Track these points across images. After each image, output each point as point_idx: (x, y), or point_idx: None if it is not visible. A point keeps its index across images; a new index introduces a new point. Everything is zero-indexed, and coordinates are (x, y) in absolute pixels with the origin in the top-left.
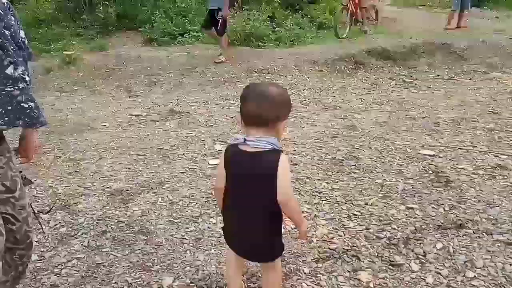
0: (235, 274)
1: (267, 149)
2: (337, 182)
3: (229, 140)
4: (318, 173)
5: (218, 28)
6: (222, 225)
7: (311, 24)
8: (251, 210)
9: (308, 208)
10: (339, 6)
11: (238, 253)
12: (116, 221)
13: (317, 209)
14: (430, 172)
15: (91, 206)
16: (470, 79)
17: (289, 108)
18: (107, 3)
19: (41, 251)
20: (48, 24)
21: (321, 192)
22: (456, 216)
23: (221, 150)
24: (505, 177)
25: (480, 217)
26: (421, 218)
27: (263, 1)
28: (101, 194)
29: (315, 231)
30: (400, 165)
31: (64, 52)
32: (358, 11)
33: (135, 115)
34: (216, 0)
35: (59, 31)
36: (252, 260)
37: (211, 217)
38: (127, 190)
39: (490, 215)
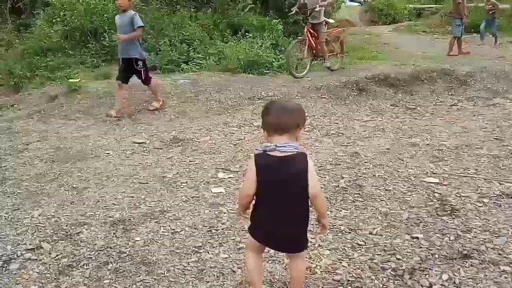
0: (259, 270)
1: (296, 152)
2: (340, 211)
3: (255, 150)
4: None
5: (143, 78)
6: (244, 233)
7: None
8: (289, 206)
9: (312, 238)
10: (291, 41)
11: (274, 247)
12: (118, 251)
13: (320, 239)
14: (435, 200)
15: (93, 236)
16: (473, 105)
17: (305, 118)
18: (112, 31)
19: (42, 283)
20: (54, 52)
21: None
22: (462, 246)
23: (224, 178)
24: (511, 205)
25: (486, 247)
26: (426, 248)
27: (266, 28)
28: (103, 223)
29: (319, 262)
30: (404, 193)
31: (69, 80)
32: (318, 45)
33: (139, 143)
34: (131, 47)
35: (64, 59)
36: (289, 251)
37: (213, 247)
38: (130, 219)
39: (496, 244)
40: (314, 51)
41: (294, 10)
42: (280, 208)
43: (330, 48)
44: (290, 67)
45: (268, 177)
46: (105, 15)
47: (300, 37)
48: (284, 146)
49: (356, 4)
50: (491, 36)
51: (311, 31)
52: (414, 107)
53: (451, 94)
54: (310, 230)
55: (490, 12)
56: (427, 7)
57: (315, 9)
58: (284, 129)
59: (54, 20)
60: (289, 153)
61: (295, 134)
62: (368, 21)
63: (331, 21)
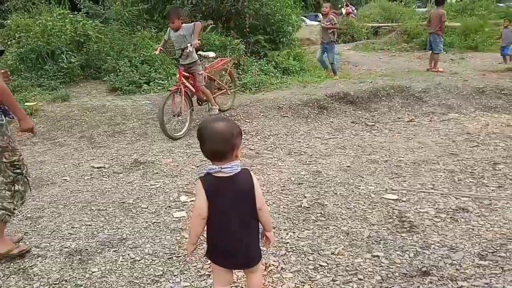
0: None
1: (239, 170)
2: (303, 231)
3: (198, 174)
4: (284, 222)
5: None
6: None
7: (276, 70)
8: (242, 223)
9: (275, 261)
10: (167, 93)
11: (235, 267)
12: (74, 284)
13: (283, 261)
14: (394, 217)
15: (47, 269)
16: (429, 120)
17: (241, 135)
18: (71, 53)
19: None
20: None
21: (287, 242)
22: (421, 262)
23: (186, 202)
24: (467, 220)
25: (444, 262)
26: (387, 266)
27: (228, 48)
28: (58, 255)
29: (282, 286)
30: (365, 210)
31: (26, 104)
32: (199, 92)
33: (98, 168)
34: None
35: (20, 82)
36: (247, 268)
37: (174, 275)
38: (87, 249)
39: (454, 260)
40: (196, 96)
41: (158, 49)
42: (233, 226)
43: (217, 86)
44: (164, 128)
45: (218, 199)
46: (62, 36)
47: (172, 88)
48: (228, 168)
49: (316, 23)
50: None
51: (185, 74)
52: (373, 123)
53: (408, 110)
54: (273, 253)
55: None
56: (383, 25)
57: (186, 50)
58: (223, 155)
59: (9, 42)
60: (234, 172)
61: (234, 154)
62: None
63: (210, 54)
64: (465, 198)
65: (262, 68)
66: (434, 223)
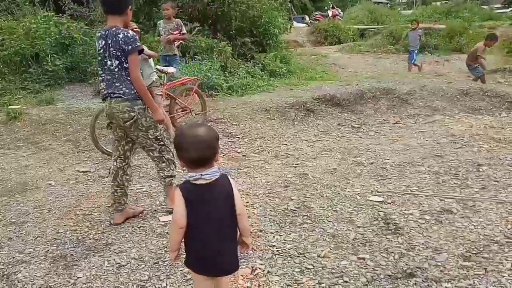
0: None
1: (218, 175)
2: (289, 234)
3: (177, 181)
4: (271, 225)
5: None
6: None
7: (263, 72)
8: (223, 229)
9: (261, 264)
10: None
11: (217, 273)
12: None
13: (270, 265)
14: (380, 219)
15: (31, 275)
16: (414, 122)
17: (218, 139)
18: (56, 56)
19: None
20: None
21: (274, 245)
22: (406, 264)
23: (173, 206)
24: (451, 221)
25: (429, 264)
26: (372, 268)
27: (215, 50)
28: (43, 260)
29: None
30: (351, 213)
31: (9, 107)
32: None
33: (83, 172)
34: None
35: (4, 85)
36: (228, 274)
37: (160, 280)
38: (72, 254)
39: (438, 261)
40: None
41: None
42: (214, 233)
43: (180, 106)
44: (96, 143)
45: (199, 206)
46: (47, 39)
47: None
48: (208, 174)
49: (303, 25)
50: None
51: None
52: (359, 126)
53: (394, 112)
54: (259, 256)
55: None
56: (370, 27)
57: None
58: (206, 162)
59: None
60: (214, 178)
61: (215, 159)
62: (314, 42)
63: (170, 69)
64: (450, 200)
65: (249, 70)
66: (419, 225)
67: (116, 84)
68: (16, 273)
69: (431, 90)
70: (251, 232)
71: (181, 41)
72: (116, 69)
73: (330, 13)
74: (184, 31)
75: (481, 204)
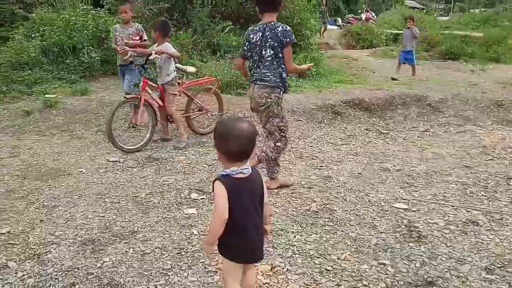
0: None
1: (251, 169)
2: (310, 235)
3: (218, 176)
4: (292, 225)
5: None
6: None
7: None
8: (257, 218)
9: (281, 262)
10: (121, 100)
11: (255, 260)
12: (86, 272)
13: (289, 263)
14: (403, 226)
15: (61, 256)
16: (445, 131)
17: None
18: (92, 48)
19: None
20: (31, 67)
21: (294, 245)
22: (427, 272)
23: (197, 199)
24: (476, 233)
25: (450, 274)
26: (393, 274)
27: None
28: (72, 243)
29: (286, 287)
30: (374, 218)
31: (46, 96)
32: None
33: (113, 161)
34: None
35: (42, 74)
36: (260, 261)
37: (182, 270)
38: (99, 239)
39: (460, 272)
40: (165, 113)
41: (127, 52)
42: (252, 223)
43: (196, 106)
44: (112, 138)
45: (239, 199)
46: (84, 32)
47: (131, 95)
48: (247, 168)
49: (335, 27)
50: None
51: (153, 85)
52: (387, 132)
53: (424, 120)
54: (280, 254)
55: None
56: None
57: (150, 57)
58: (247, 156)
59: (33, 35)
60: (250, 172)
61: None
62: (346, 45)
63: (190, 69)
64: (476, 211)
65: None
66: (443, 235)
67: (264, 71)
68: (47, 253)
69: (464, 99)
70: (271, 230)
71: (142, 50)
72: (269, 58)
73: (363, 16)
74: (145, 37)
75: (509, 218)
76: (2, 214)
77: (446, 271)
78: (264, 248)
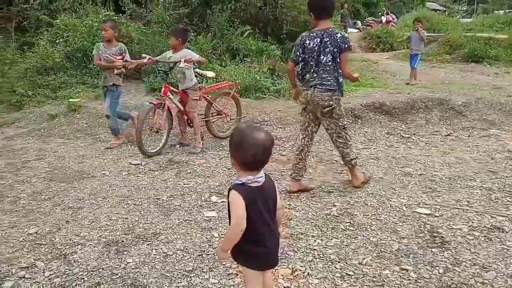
0: None
1: (264, 177)
2: (331, 239)
3: (233, 185)
4: (312, 229)
5: None
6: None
7: None
8: (272, 224)
9: (301, 266)
10: (150, 105)
11: (273, 266)
12: (110, 272)
13: (310, 267)
14: (426, 231)
15: (86, 257)
16: (468, 136)
17: None
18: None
19: None
20: (55, 72)
21: (315, 249)
22: (451, 279)
23: (217, 202)
24: (501, 239)
25: (475, 281)
26: (415, 280)
27: (264, 53)
28: (97, 244)
29: None
30: (395, 223)
31: (70, 100)
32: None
33: (135, 164)
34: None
35: (66, 79)
36: (276, 266)
37: (204, 272)
38: (123, 240)
39: (485, 279)
40: (185, 118)
41: (147, 58)
42: (268, 231)
43: (216, 110)
44: (140, 141)
45: (255, 207)
46: None
47: (156, 100)
48: (261, 177)
49: (355, 30)
50: None
51: (174, 90)
52: (408, 136)
53: (446, 124)
54: (300, 258)
55: None
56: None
57: (179, 65)
58: (262, 165)
59: (57, 41)
60: (264, 180)
61: None
62: (365, 48)
63: (209, 74)
64: (501, 218)
65: None
66: (466, 241)
67: (324, 76)
68: (73, 253)
69: (488, 103)
70: (292, 234)
71: (122, 69)
72: (329, 63)
73: (384, 19)
74: (128, 57)
75: None
76: (30, 215)
77: (471, 278)
78: (279, 254)
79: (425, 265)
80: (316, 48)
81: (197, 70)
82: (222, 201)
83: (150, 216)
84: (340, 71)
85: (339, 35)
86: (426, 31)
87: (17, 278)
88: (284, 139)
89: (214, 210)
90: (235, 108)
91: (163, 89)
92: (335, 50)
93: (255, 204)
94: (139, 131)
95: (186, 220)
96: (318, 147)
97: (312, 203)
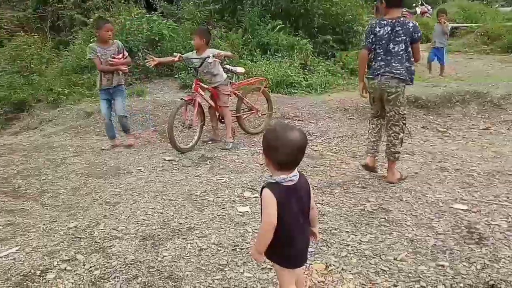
0: None
1: (299, 174)
2: (366, 235)
3: (267, 183)
4: (346, 225)
5: None
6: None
7: (343, 70)
8: (304, 223)
9: (335, 261)
10: (181, 101)
11: (302, 265)
12: (147, 265)
13: (344, 263)
14: (463, 227)
15: (124, 250)
16: (508, 129)
17: None
18: (147, 51)
19: None
20: (90, 70)
21: (349, 244)
22: (489, 275)
23: (250, 197)
24: None
25: None
26: (452, 276)
27: (296, 48)
28: (133, 238)
29: (342, 286)
30: (431, 219)
31: None
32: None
33: (168, 160)
34: None
35: None
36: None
37: (238, 266)
38: (159, 235)
39: None
40: (216, 114)
41: (178, 56)
42: (300, 229)
43: (247, 106)
44: (172, 137)
45: (288, 206)
46: (139, 35)
47: (186, 96)
48: (295, 175)
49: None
50: None
51: (205, 86)
52: (445, 130)
53: (485, 118)
54: (334, 254)
55: None
56: (462, 26)
57: (208, 60)
58: (296, 165)
59: (91, 40)
60: (298, 179)
61: None
62: None
63: (239, 69)
64: None
65: (329, 68)
66: (505, 237)
67: (394, 64)
68: (111, 247)
69: None
70: (325, 230)
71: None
72: (401, 52)
73: (418, 10)
74: (126, 54)
75: None
76: (70, 210)
77: (510, 274)
78: (312, 250)
79: (462, 261)
80: (386, 36)
81: (227, 66)
82: (255, 197)
83: (185, 211)
84: (412, 60)
85: (411, 24)
86: (451, 23)
87: (59, 270)
88: (316, 134)
89: (247, 205)
90: (266, 104)
91: (193, 86)
92: (408, 39)
93: (288, 204)
94: (171, 127)
95: (220, 215)
96: (351, 142)
97: (346, 199)
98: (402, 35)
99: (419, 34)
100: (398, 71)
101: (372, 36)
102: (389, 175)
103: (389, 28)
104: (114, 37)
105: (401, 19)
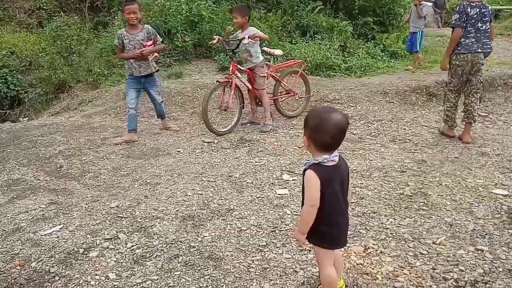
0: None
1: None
2: (404, 218)
3: (310, 165)
4: (385, 209)
5: None
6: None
7: (383, 53)
8: (345, 202)
9: (374, 244)
10: (215, 83)
11: (342, 246)
12: (188, 245)
13: (383, 246)
14: (503, 212)
15: (165, 230)
16: None
17: None
18: (185, 32)
19: (118, 270)
20: None
21: (387, 228)
22: None
23: (288, 180)
24: None
25: None
26: (491, 261)
27: (335, 30)
28: (174, 218)
29: (380, 268)
30: (471, 204)
31: None
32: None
33: (207, 142)
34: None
35: None
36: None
37: (277, 247)
38: (199, 215)
39: None
40: (254, 97)
41: (216, 39)
42: (341, 210)
43: (284, 89)
44: (207, 120)
45: (330, 187)
46: (178, 16)
47: (223, 78)
48: (336, 156)
49: (429, 4)
50: None
51: (242, 69)
52: (486, 114)
53: None
54: (372, 236)
55: None
56: (505, 8)
57: (243, 42)
58: (337, 146)
59: None
60: (338, 159)
61: None
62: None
63: (277, 51)
64: None
65: (369, 51)
66: None
67: (485, 41)
68: (152, 227)
69: None
70: (364, 213)
71: (157, 55)
72: (488, 30)
73: None
74: (159, 40)
75: None
76: (111, 190)
77: None
78: (351, 232)
79: (502, 246)
80: (475, 16)
81: (265, 48)
82: (294, 179)
83: (224, 192)
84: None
85: (490, 7)
86: (494, 5)
87: (102, 249)
88: (355, 117)
89: (286, 188)
90: (304, 87)
91: (231, 68)
92: (491, 19)
93: (330, 184)
94: (205, 110)
95: (259, 197)
96: (391, 126)
97: (384, 183)
98: (487, 16)
99: (494, 15)
100: (487, 46)
101: (465, 16)
102: (467, 136)
103: (478, 10)
104: (141, 20)
105: (484, 2)
